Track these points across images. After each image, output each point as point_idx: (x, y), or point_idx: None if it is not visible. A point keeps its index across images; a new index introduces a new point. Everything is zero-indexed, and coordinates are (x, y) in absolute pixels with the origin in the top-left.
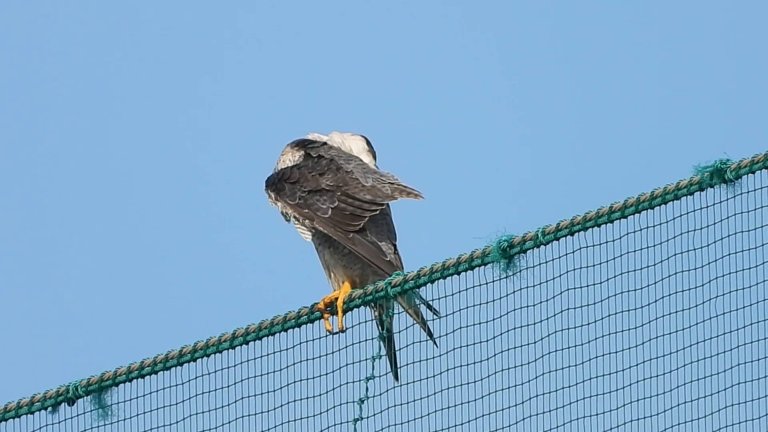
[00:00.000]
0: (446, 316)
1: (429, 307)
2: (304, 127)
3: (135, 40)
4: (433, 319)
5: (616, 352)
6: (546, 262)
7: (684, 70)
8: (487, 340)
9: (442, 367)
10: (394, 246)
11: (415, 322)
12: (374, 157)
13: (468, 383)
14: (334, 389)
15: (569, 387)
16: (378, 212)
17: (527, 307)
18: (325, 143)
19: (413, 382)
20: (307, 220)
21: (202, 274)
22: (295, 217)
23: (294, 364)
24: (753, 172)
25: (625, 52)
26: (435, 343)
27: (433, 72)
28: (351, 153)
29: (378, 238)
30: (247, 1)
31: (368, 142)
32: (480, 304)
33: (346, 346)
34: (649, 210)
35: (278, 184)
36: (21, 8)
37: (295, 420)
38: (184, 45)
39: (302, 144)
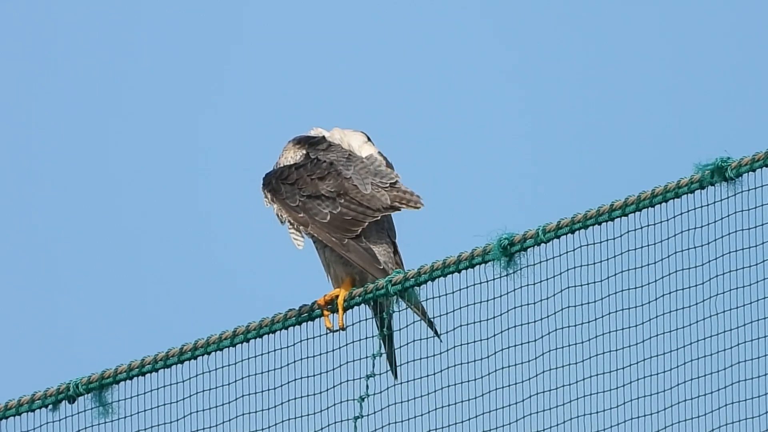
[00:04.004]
0: (447, 314)
1: (427, 320)
2: (304, 126)
3: (134, 39)
4: (435, 317)
5: (616, 350)
6: (546, 260)
7: (685, 68)
8: (487, 338)
9: (443, 365)
10: (394, 245)
11: (418, 317)
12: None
13: (468, 381)
14: (334, 387)
15: (569, 385)
16: (379, 217)
17: (528, 305)
18: (324, 138)
19: (414, 379)
20: (301, 226)
21: (203, 272)
22: (290, 221)
23: (294, 361)
24: (753, 170)
25: (625, 51)
26: (438, 336)
27: (434, 70)
28: (352, 149)
29: (375, 241)
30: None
31: (368, 138)
32: (480, 302)
33: (347, 344)
34: (649, 208)
35: (275, 184)
36: (19, 7)
37: (295, 417)
38: (186, 43)
39: (304, 141)
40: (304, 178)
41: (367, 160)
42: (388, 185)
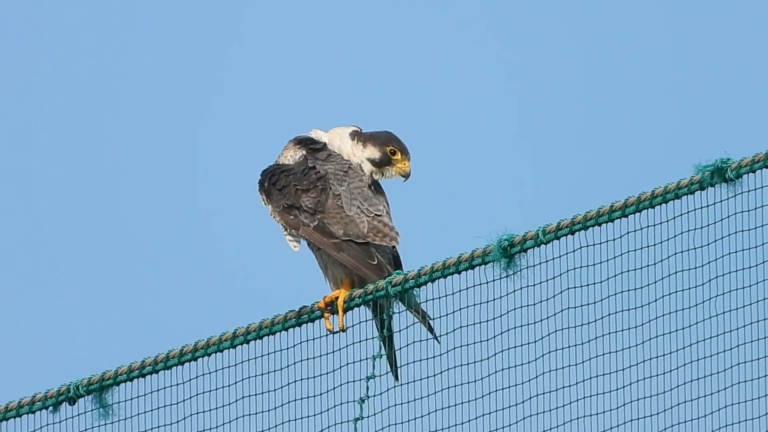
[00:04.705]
0: (447, 315)
1: (426, 323)
2: (304, 126)
3: (134, 39)
4: (433, 319)
5: (617, 351)
6: (546, 261)
7: (685, 68)
8: (487, 339)
9: (443, 367)
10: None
11: (416, 319)
12: (362, 142)
13: (468, 382)
14: (334, 388)
15: (569, 386)
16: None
17: (528, 306)
18: (325, 145)
19: (414, 381)
20: (293, 229)
21: (203, 273)
22: (282, 224)
23: (295, 363)
24: (753, 171)
25: (625, 51)
26: (437, 339)
27: (433, 70)
28: (350, 160)
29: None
30: None
31: (355, 133)
32: (480, 303)
33: (347, 346)
34: (649, 209)
35: (267, 187)
36: (18, 7)
37: (295, 419)
38: (185, 43)
39: (305, 143)
40: (290, 187)
41: (361, 182)
42: (372, 214)
